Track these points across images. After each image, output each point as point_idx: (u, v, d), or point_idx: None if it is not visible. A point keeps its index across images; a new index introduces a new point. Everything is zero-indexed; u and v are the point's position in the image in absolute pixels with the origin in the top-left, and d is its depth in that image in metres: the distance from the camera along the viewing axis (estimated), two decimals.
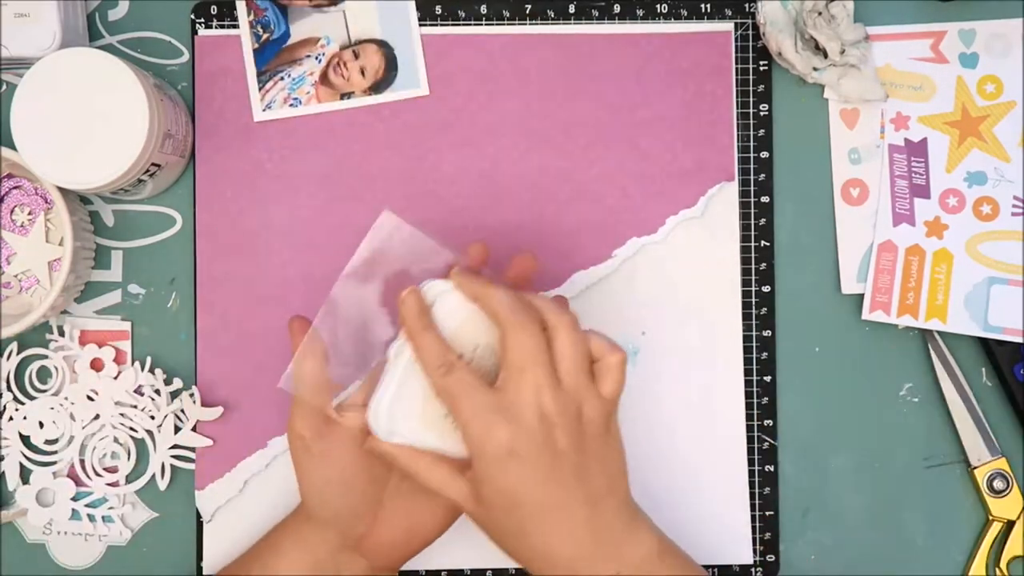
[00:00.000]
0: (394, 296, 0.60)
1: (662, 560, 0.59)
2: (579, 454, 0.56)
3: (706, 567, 0.72)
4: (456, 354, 0.58)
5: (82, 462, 0.72)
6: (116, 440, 0.71)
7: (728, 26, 0.73)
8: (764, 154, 0.73)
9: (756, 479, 0.72)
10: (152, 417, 0.71)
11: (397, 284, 0.62)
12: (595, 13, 0.73)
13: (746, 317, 0.73)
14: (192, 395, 0.71)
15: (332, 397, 0.62)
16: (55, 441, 0.72)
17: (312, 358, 0.62)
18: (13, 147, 0.65)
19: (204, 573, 0.72)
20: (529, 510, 0.56)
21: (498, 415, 0.55)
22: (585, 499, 0.57)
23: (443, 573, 0.72)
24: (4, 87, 0.73)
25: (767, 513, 0.72)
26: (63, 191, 0.68)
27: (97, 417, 0.71)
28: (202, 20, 0.73)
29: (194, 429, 0.72)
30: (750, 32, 0.73)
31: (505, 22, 0.73)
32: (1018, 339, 0.71)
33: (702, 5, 0.73)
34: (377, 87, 0.73)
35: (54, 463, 0.72)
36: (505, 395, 0.56)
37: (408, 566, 0.72)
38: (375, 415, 0.59)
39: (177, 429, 0.72)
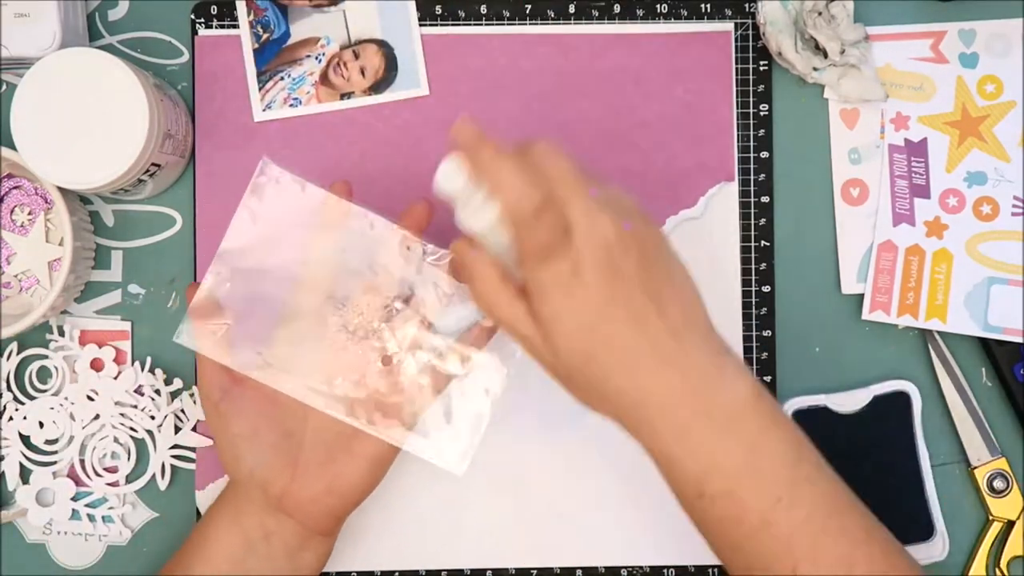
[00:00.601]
0: (292, 250, 0.61)
1: (756, 408, 0.55)
2: (650, 278, 0.53)
3: (708, 565, 0.72)
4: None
5: (82, 462, 0.72)
6: (116, 440, 0.71)
7: (728, 26, 0.73)
8: (764, 154, 0.73)
9: None
10: (152, 417, 0.71)
11: (290, 240, 0.62)
12: (595, 13, 0.73)
13: (746, 317, 0.73)
14: (192, 395, 0.71)
15: (230, 354, 0.62)
16: (55, 441, 0.72)
17: (208, 315, 0.62)
18: (13, 147, 0.65)
19: None
20: (604, 342, 0.53)
21: (563, 245, 0.53)
22: (665, 329, 0.53)
23: (443, 573, 0.72)
24: (4, 87, 0.73)
25: None
26: (63, 191, 0.68)
27: (97, 417, 0.71)
28: (202, 20, 0.73)
29: (194, 429, 0.72)
30: (750, 32, 0.73)
31: (505, 22, 0.73)
32: (1018, 339, 0.71)
33: (702, 5, 0.73)
34: (377, 87, 0.73)
35: (54, 463, 0.72)
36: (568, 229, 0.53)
37: (408, 565, 0.72)
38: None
39: (177, 429, 0.72)
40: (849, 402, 0.71)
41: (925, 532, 0.71)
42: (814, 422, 0.71)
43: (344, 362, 0.62)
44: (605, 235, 0.53)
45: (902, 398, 0.71)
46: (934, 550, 0.70)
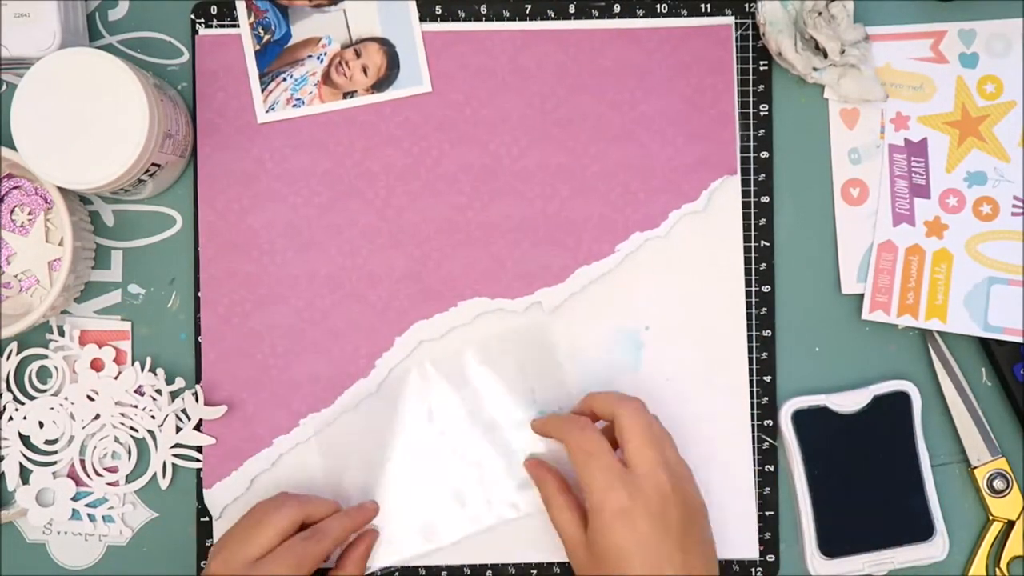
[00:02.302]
0: None
1: None
2: (686, 534, 0.62)
3: None
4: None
5: (82, 462, 0.72)
6: (116, 440, 0.71)
7: (728, 19, 0.73)
8: (764, 154, 0.73)
9: (756, 479, 0.72)
10: (153, 417, 0.71)
11: None
12: (595, 13, 0.73)
13: (746, 317, 0.73)
14: (195, 394, 0.71)
15: None
16: (55, 441, 0.72)
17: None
18: (13, 147, 0.65)
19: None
20: (633, 566, 0.61)
21: (621, 480, 0.62)
22: (682, 564, 0.62)
23: (443, 573, 0.72)
24: (4, 87, 0.73)
25: (767, 513, 0.72)
26: (63, 191, 0.68)
27: (97, 417, 0.71)
28: (202, 20, 0.73)
29: (198, 428, 0.72)
30: (750, 32, 0.73)
31: (505, 21, 0.73)
32: (1018, 339, 0.71)
33: (702, 5, 0.73)
34: (379, 85, 0.72)
35: (54, 463, 0.72)
36: (630, 468, 0.63)
37: (407, 564, 0.72)
38: None
39: (178, 429, 0.72)
40: (849, 402, 0.71)
41: (925, 532, 0.71)
42: (814, 422, 0.71)
43: None
44: (662, 486, 0.62)
45: (902, 398, 0.71)
46: (934, 550, 0.70)
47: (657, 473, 0.62)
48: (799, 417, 0.71)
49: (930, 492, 0.71)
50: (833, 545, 0.70)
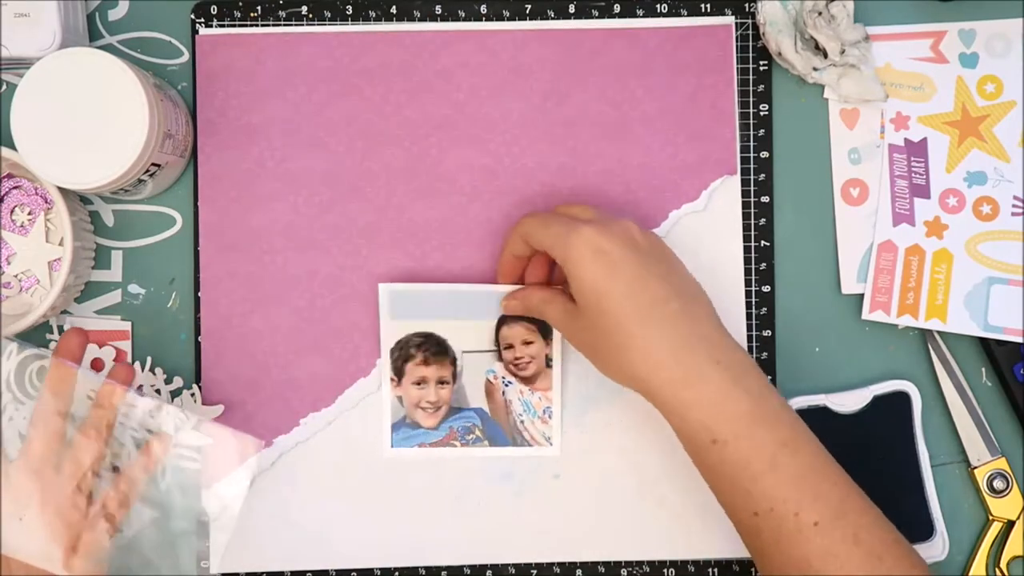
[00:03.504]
0: None
1: (757, 368, 0.63)
2: (661, 258, 0.63)
3: (710, 561, 0.72)
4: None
5: None
6: (116, 440, 0.71)
7: (728, 19, 0.73)
8: (764, 154, 0.73)
9: None
10: (152, 417, 0.71)
11: None
12: (595, 13, 0.73)
13: (746, 317, 0.73)
14: (193, 394, 0.71)
15: None
16: None
17: None
18: (13, 147, 0.65)
19: (211, 572, 0.72)
20: (622, 301, 0.61)
21: (579, 221, 0.62)
22: (676, 293, 0.62)
23: (443, 573, 0.72)
24: (4, 87, 0.73)
25: None
26: (63, 191, 0.68)
27: None
28: (202, 20, 0.73)
29: (196, 428, 0.71)
30: (750, 32, 0.73)
31: (505, 21, 0.73)
32: (1018, 339, 0.71)
33: (702, 5, 0.73)
34: None
35: None
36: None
37: (406, 563, 0.72)
38: None
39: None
40: (849, 402, 0.71)
41: (925, 532, 0.71)
42: (814, 422, 0.71)
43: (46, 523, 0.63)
44: (629, 229, 0.63)
45: (902, 398, 0.71)
46: (934, 550, 0.70)
47: (623, 222, 0.63)
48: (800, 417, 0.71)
49: (930, 492, 0.71)
50: None
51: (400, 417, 0.72)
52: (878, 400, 0.71)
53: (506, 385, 0.71)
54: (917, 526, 0.71)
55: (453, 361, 0.71)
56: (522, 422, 0.72)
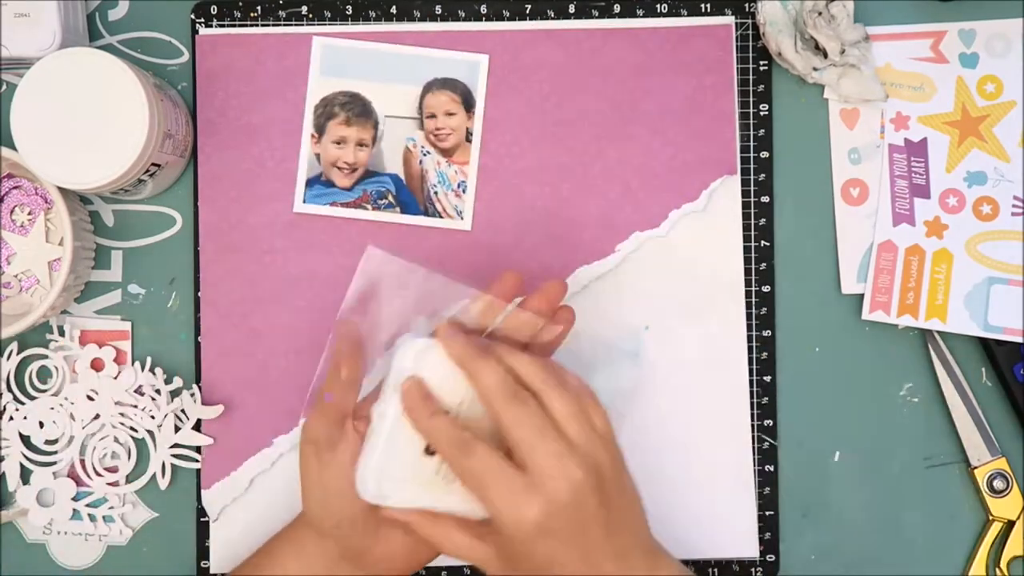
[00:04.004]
0: (393, 330, 0.61)
1: None
2: (607, 512, 0.57)
3: (710, 561, 0.72)
4: (466, 431, 0.57)
5: (82, 462, 0.72)
6: (116, 440, 0.71)
7: (728, 19, 0.73)
8: (764, 154, 0.73)
9: (756, 479, 0.72)
10: (152, 417, 0.71)
11: (396, 319, 0.62)
12: (595, 13, 0.73)
13: (746, 317, 0.73)
14: (193, 394, 0.71)
15: (354, 404, 0.62)
16: (55, 441, 0.72)
17: (348, 364, 0.61)
18: (13, 147, 0.65)
19: (211, 572, 0.72)
20: (558, 569, 0.56)
21: (527, 494, 0.55)
22: (615, 554, 0.57)
23: (443, 573, 0.72)
24: (4, 87, 0.73)
25: (767, 513, 0.72)
26: (63, 191, 0.68)
27: (97, 417, 0.71)
28: (202, 20, 0.73)
29: (197, 428, 0.72)
30: (750, 32, 0.73)
31: (505, 21, 0.73)
32: (1018, 339, 0.71)
33: (702, 5, 0.73)
34: None
35: (54, 463, 0.72)
36: (530, 473, 0.55)
37: None
38: (363, 480, 0.58)
39: (177, 428, 0.72)
40: None
41: None
42: None
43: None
44: (573, 480, 0.55)
45: None
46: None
47: (564, 465, 0.55)
48: None
49: None
50: None
51: (316, 174, 0.72)
52: None
53: (424, 154, 0.72)
54: None
55: (375, 124, 0.71)
56: (436, 193, 0.72)
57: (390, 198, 0.72)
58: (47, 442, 0.72)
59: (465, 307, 0.62)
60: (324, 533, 0.63)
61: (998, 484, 0.72)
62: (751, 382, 0.72)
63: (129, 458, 0.72)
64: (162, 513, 0.73)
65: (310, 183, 0.72)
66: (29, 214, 0.71)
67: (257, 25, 0.73)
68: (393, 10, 0.73)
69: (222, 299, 0.72)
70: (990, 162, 0.72)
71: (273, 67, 0.72)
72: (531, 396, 0.57)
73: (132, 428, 0.72)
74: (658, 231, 0.73)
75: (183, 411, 0.72)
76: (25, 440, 0.72)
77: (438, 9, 0.73)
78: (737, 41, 0.73)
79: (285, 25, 0.73)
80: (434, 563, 0.72)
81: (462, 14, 0.73)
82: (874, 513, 0.73)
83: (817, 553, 0.73)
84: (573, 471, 0.55)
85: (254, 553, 0.66)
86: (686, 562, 0.72)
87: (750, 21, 0.73)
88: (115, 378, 0.71)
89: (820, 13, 0.70)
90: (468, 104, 0.72)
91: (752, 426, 0.72)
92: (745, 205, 0.73)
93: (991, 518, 0.72)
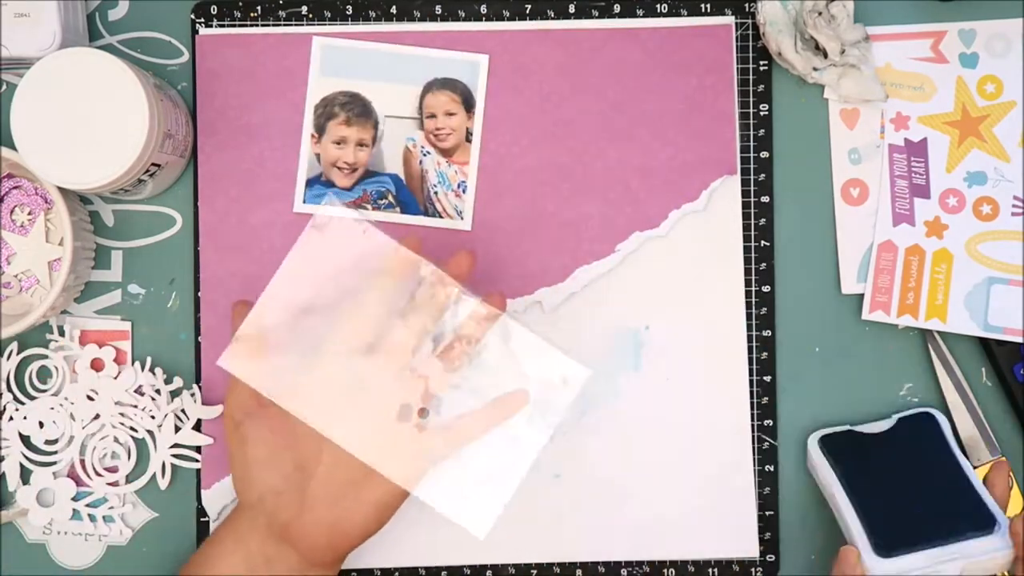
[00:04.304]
0: (340, 293, 0.62)
1: None
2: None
3: (710, 561, 0.72)
4: None
5: (82, 462, 0.72)
6: (116, 440, 0.71)
7: (728, 19, 0.73)
8: (764, 154, 0.73)
9: (756, 479, 0.72)
10: (152, 417, 0.71)
11: (342, 280, 0.62)
12: (595, 13, 0.73)
13: (746, 317, 0.73)
14: (193, 394, 0.71)
15: (266, 380, 0.62)
16: (55, 441, 0.72)
17: (252, 341, 0.62)
18: (13, 147, 0.65)
19: None
20: None
21: None
22: None
23: (443, 573, 0.72)
24: (4, 87, 0.73)
25: (767, 513, 0.72)
26: (63, 191, 0.68)
27: (97, 417, 0.71)
28: (202, 20, 0.73)
29: (197, 428, 0.72)
30: (750, 32, 0.73)
31: (505, 21, 0.73)
32: (1018, 339, 0.71)
33: (702, 5, 0.73)
34: None
35: (54, 463, 0.72)
36: None
37: (406, 563, 0.72)
38: None
39: (177, 428, 0.72)
40: (873, 427, 0.70)
41: (986, 522, 0.63)
42: (842, 445, 0.69)
43: (370, 403, 0.62)
44: None
45: (927, 417, 0.70)
46: (1001, 541, 0.63)
47: None
48: (827, 443, 0.70)
49: (981, 490, 0.65)
50: (887, 543, 0.64)
51: (316, 174, 0.72)
52: (904, 421, 0.70)
53: (424, 155, 0.72)
54: (976, 517, 0.64)
55: (375, 124, 0.72)
56: (436, 193, 0.72)
57: (390, 198, 0.72)
58: (47, 442, 0.72)
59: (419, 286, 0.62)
60: (252, 507, 0.63)
61: None
62: (751, 382, 0.72)
63: (129, 458, 0.72)
64: (162, 513, 0.73)
65: (310, 183, 0.72)
66: (29, 214, 0.71)
67: (257, 25, 0.73)
68: (393, 10, 0.73)
69: (222, 299, 0.72)
70: (990, 162, 0.72)
71: (273, 67, 0.72)
72: None
73: (132, 428, 0.72)
74: (658, 231, 0.73)
75: (183, 411, 0.72)
76: (25, 440, 0.72)
77: (438, 9, 0.73)
78: (737, 41, 0.73)
79: (285, 25, 0.73)
80: (434, 563, 0.72)
81: (462, 14, 0.73)
82: None
83: (817, 553, 0.73)
84: None
85: (202, 545, 0.66)
86: (686, 562, 0.72)
87: (750, 21, 0.73)
88: (115, 378, 0.71)
89: (820, 13, 0.70)
90: (468, 104, 0.72)
91: (752, 426, 0.72)
92: (745, 205, 0.73)
93: None
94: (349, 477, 0.62)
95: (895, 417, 0.71)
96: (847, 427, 0.71)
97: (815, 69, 0.71)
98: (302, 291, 0.62)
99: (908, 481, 0.67)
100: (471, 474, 0.63)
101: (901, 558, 0.63)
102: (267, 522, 0.63)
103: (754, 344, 0.73)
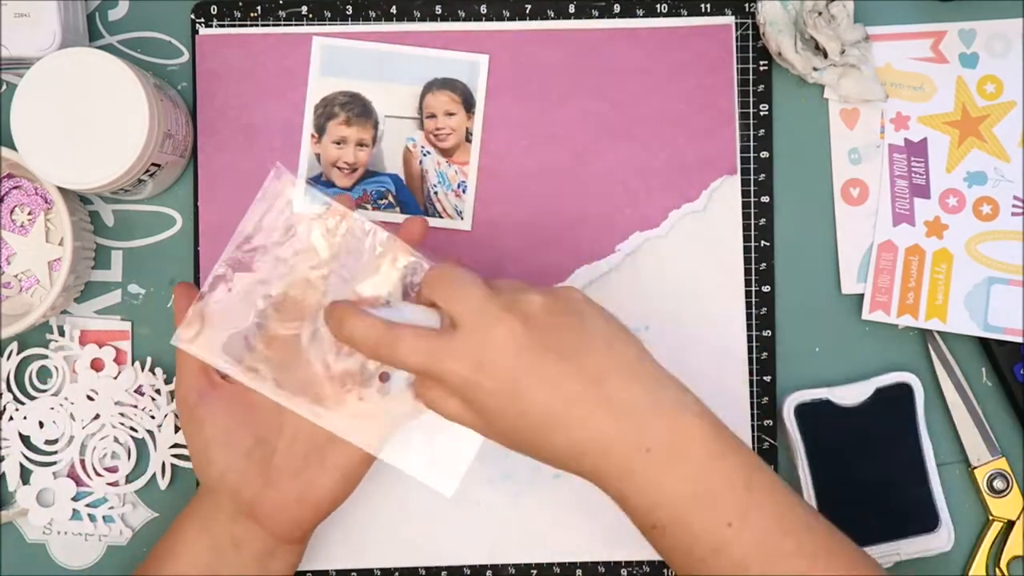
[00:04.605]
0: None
1: (700, 438, 0.56)
2: (554, 339, 0.55)
3: None
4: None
5: (82, 462, 0.72)
6: (116, 440, 0.71)
7: (728, 19, 0.73)
8: (764, 154, 0.73)
9: None
10: (152, 417, 0.71)
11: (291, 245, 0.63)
12: (595, 13, 0.73)
13: (746, 317, 0.73)
14: None
15: (217, 355, 0.62)
16: (55, 441, 0.72)
17: (199, 321, 0.61)
18: (13, 147, 0.65)
19: None
20: (526, 414, 0.55)
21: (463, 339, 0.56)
22: (585, 380, 0.55)
23: (443, 573, 0.72)
24: (4, 87, 0.73)
25: None
26: (63, 191, 0.68)
27: (97, 417, 0.71)
28: (202, 20, 0.73)
29: None
30: (750, 32, 0.73)
31: (505, 21, 0.73)
32: (1018, 339, 0.71)
33: (702, 5, 0.73)
34: None
35: (54, 463, 0.72)
36: (457, 330, 0.56)
37: (406, 563, 0.72)
38: None
39: (177, 428, 0.72)
40: (851, 395, 0.71)
41: (931, 523, 0.70)
42: (817, 416, 0.71)
43: (328, 370, 0.62)
44: (498, 317, 0.55)
45: (904, 390, 0.71)
46: (940, 540, 0.70)
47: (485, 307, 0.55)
48: (802, 411, 0.71)
49: (934, 483, 0.71)
50: None
51: (316, 174, 0.72)
52: (880, 392, 0.71)
53: (424, 155, 0.72)
54: (922, 517, 0.70)
55: (375, 124, 0.72)
56: (436, 193, 0.72)
57: (390, 198, 0.72)
58: (47, 442, 0.72)
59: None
60: (214, 488, 0.62)
61: (998, 484, 0.72)
62: (751, 382, 0.72)
63: (129, 458, 0.72)
64: (162, 513, 0.73)
65: (310, 183, 0.72)
66: (29, 214, 0.71)
67: (257, 25, 0.73)
68: (393, 10, 0.73)
69: None
70: (990, 162, 0.72)
71: (273, 67, 0.72)
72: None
73: (132, 428, 0.72)
74: (658, 231, 0.73)
75: None
76: (25, 440, 0.72)
77: (438, 9, 0.73)
78: (737, 41, 0.73)
79: (285, 25, 0.73)
80: (434, 563, 0.72)
81: (462, 14, 0.73)
82: None
83: None
84: (492, 307, 0.55)
85: (165, 533, 0.65)
86: None
87: (750, 21, 0.73)
88: (115, 378, 0.71)
89: (820, 13, 0.70)
90: (468, 104, 0.72)
91: (752, 426, 0.72)
92: (745, 205, 0.73)
93: (991, 518, 0.72)
94: (312, 446, 0.62)
95: (874, 386, 0.71)
96: (825, 396, 0.71)
97: (815, 69, 0.71)
98: (250, 263, 0.62)
99: (868, 468, 0.70)
100: (435, 435, 0.62)
101: None
102: (232, 502, 0.62)
103: (754, 344, 0.73)
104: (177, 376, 0.64)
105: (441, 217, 0.72)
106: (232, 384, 0.62)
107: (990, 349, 0.72)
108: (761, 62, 0.73)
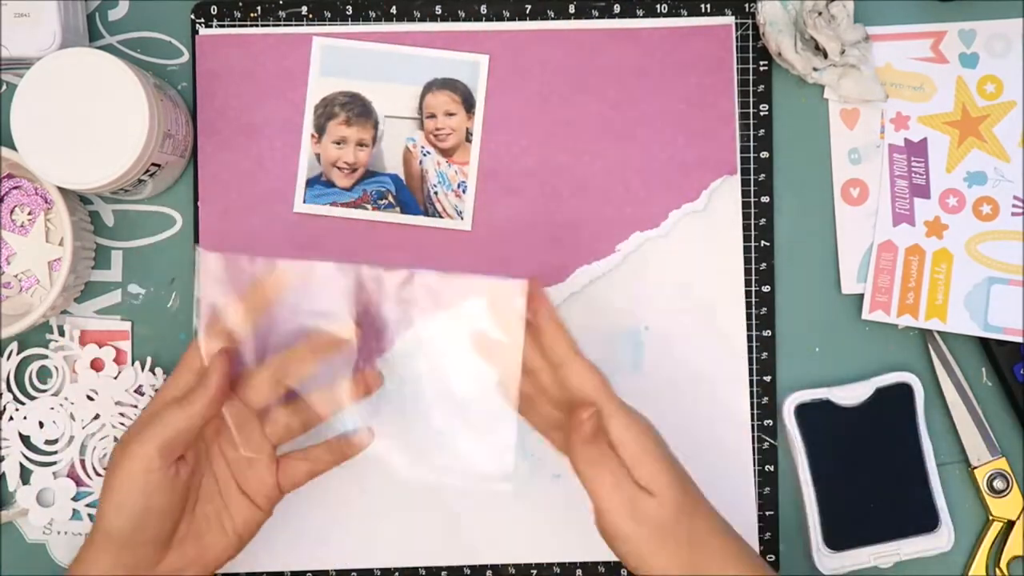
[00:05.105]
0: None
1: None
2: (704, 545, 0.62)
3: None
4: None
5: (82, 462, 0.72)
6: (116, 440, 0.71)
7: (728, 19, 0.73)
8: (764, 154, 0.73)
9: (756, 479, 0.72)
10: None
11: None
12: (595, 13, 0.73)
13: (746, 317, 0.73)
14: None
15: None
16: (55, 441, 0.72)
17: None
18: (13, 147, 0.65)
19: None
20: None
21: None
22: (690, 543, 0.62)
23: (443, 573, 0.72)
24: (4, 87, 0.73)
25: (767, 513, 0.72)
26: (63, 191, 0.68)
27: (97, 417, 0.71)
28: (202, 20, 0.73)
29: None
30: (750, 32, 0.73)
31: (505, 21, 0.73)
32: (1018, 339, 0.71)
33: (702, 5, 0.73)
34: None
35: (54, 463, 0.72)
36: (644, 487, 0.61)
37: (407, 563, 0.72)
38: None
39: None
40: (852, 395, 0.71)
41: (930, 523, 0.71)
42: (817, 416, 0.71)
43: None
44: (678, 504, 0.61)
45: (904, 390, 0.71)
46: (939, 541, 0.71)
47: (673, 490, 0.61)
48: (802, 411, 0.71)
49: (934, 483, 0.71)
50: (838, 538, 0.71)
51: (316, 174, 0.72)
52: (880, 392, 0.71)
53: (424, 155, 0.72)
54: (922, 517, 0.71)
55: (375, 124, 0.72)
56: (436, 193, 0.72)
57: (390, 198, 0.72)
58: (47, 442, 0.72)
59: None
60: (119, 542, 0.61)
61: (998, 484, 0.72)
62: (751, 382, 0.72)
63: None
64: None
65: (310, 183, 0.72)
66: (29, 214, 0.71)
67: (257, 25, 0.73)
68: (393, 10, 0.73)
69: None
70: (990, 162, 0.72)
71: (273, 67, 0.72)
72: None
73: None
74: (658, 231, 0.73)
75: None
76: (25, 440, 0.72)
77: (438, 9, 0.73)
78: (737, 41, 0.73)
79: (285, 25, 0.73)
80: (434, 563, 0.72)
81: (462, 14, 0.73)
82: None
83: None
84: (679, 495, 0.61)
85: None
86: None
87: (750, 21, 0.73)
88: (115, 378, 0.71)
89: (820, 13, 0.70)
90: (468, 104, 0.72)
91: (752, 426, 0.72)
92: (745, 205, 0.73)
93: (991, 518, 0.72)
94: (218, 507, 0.63)
95: (874, 386, 0.71)
96: (825, 396, 0.71)
97: (815, 69, 0.71)
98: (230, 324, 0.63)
99: (868, 468, 0.71)
100: (472, 431, 0.64)
101: (847, 553, 0.71)
102: (134, 563, 0.61)
103: (754, 344, 0.73)
104: (150, 432, 0.60)
105: (441, 217, 0.72)
106: (182, 470, 0.62)
107: (990, 349, 0.72)
108: (761, 62, 0.73)
